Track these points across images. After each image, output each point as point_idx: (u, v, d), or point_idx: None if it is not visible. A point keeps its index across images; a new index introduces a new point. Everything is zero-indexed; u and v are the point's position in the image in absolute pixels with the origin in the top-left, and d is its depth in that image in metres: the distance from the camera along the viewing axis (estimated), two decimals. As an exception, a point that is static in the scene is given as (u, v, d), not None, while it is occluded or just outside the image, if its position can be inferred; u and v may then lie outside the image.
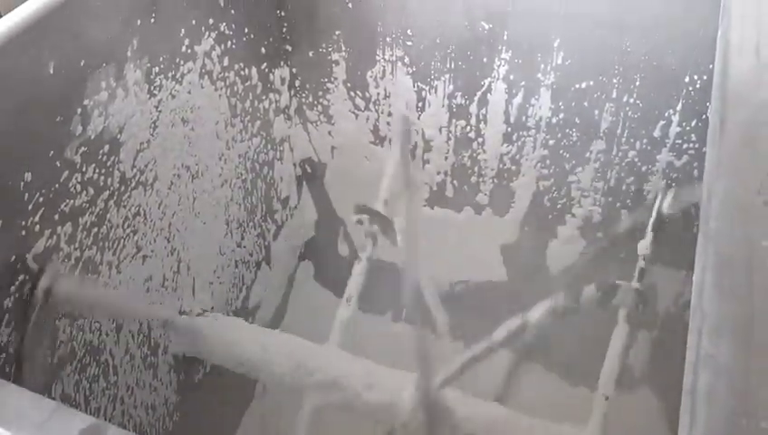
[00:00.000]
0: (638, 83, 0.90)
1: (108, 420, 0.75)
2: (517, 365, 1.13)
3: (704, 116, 0.90)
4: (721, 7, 0.71)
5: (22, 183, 0.63)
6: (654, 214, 0.94)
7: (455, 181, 1.14)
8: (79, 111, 0.68)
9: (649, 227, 0.93)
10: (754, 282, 0.39)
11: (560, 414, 0.80)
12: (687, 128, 0.91)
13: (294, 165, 1.19)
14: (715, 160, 0.48)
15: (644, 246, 0.92)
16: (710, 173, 0.47)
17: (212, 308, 0.98)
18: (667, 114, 0.91)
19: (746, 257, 0.40)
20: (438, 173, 1.14)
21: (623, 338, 0.84)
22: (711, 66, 0.84)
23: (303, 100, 1.12)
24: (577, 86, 0.94)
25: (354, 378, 0.84)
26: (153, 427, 0.90)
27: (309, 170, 1.21)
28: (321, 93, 1.11)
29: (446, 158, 1.11)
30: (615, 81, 0.91)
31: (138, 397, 0.86)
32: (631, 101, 0.92)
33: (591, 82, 0.92)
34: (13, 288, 0.64)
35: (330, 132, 1.15)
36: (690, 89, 0.88)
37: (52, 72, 0.64)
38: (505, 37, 0.93)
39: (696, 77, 0.87)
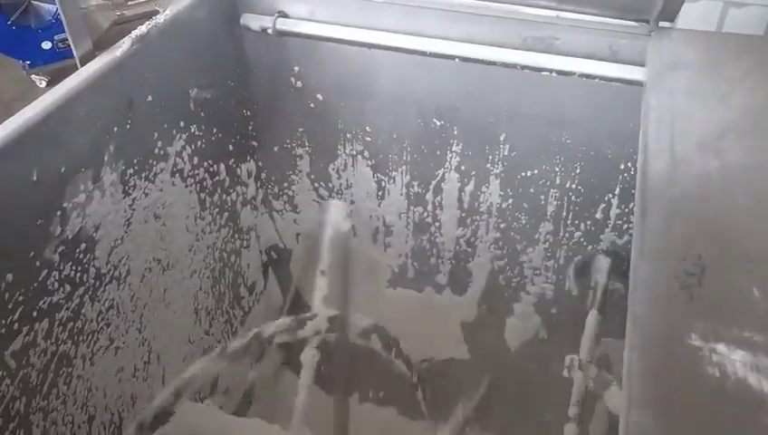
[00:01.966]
0: (578, 171, 0.99)
1: None
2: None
3: (640, 199, 0.98)
4: (642, 108, 0.79)
5: (3, 284, 0.67)
6: (600, 289, 1.01)
7: (415, 263, 1.20)
8: (59, 213, 0.72)
9: (597, 302, 1.00)
10: (673, 360, 0.45)
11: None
12: (626, 209, 0.99)
13: (261, 252, 1.24)
14: (638, 250, 0.54)
15: (593, 318, 0.98)
16: (634, 262, 0.54)
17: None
18: (607, 198, 0.99)
19: (665, 338, 0.46)
20: (399, 256, 1.20)
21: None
22: (642, 155, 0.93)
23: (269, 191, 1.18)
24: (523, 174, 1.01)
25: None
26: None
27: (275, 256, 1.26)
28: (286, 185, 1.17)
29: (407, 241, 1.17)
30: (557, 169, 0.99)
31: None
32: (573, 186, 1.00)
33: (536, 171, 1.00)
34: (-9, 386, 0.67)
35: (295, 220, 1.21)
36: (626, 175, 0.96)
37: (35, 178, 0.68)
38: (456, 132, 1.01)
39: (630, 164, 0.95)
